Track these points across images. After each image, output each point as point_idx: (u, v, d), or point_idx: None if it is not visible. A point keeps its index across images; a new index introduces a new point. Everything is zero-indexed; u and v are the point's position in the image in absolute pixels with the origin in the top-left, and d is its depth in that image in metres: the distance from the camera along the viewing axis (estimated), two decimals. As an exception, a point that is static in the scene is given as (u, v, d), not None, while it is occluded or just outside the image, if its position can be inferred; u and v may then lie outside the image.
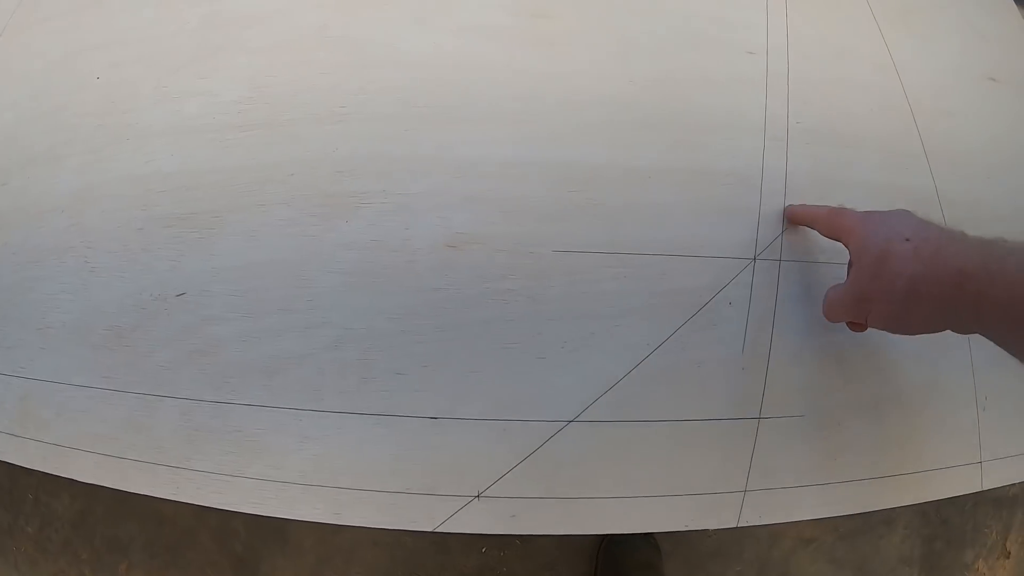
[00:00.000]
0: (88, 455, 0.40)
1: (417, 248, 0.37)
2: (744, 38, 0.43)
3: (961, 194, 0.43)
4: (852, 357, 0.39)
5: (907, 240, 0.29)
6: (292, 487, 0.36)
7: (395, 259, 0.37)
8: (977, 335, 0.30)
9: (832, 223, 0.35)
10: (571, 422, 0.35)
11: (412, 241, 0.37)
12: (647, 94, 0.42)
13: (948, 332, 0.31)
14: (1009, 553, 0.86)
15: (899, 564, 0.79)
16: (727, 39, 0.43)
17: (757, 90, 0.42)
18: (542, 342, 0.36)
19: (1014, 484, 0.78)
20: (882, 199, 0.41)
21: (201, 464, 0.37)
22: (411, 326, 0.36)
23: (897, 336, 0.40)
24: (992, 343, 0.30)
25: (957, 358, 0.41)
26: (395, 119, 0.41)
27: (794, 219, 0.39)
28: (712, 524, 0.35)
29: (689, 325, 0.37)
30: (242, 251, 0.39)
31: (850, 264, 0.33)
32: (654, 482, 0.35)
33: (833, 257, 0.39)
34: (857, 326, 0.36)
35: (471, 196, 0.38)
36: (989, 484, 0.41)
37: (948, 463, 0.40)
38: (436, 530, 0.34)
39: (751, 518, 0.36)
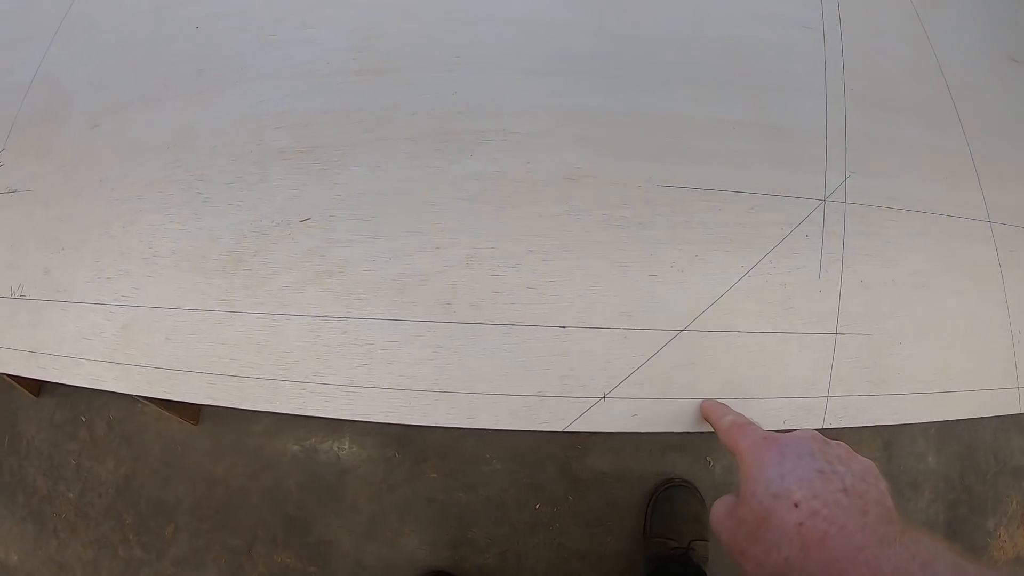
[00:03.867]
0: (200, 376, 0.43)
1: (538, 180, 0.43)
2: (801, 14, 0.52)
3: (992, 155, 0.52)
4: (903, 287, 0.47)
5: (795, 506, 0.28)
6: (426, 394, 0.40)
7: (518, 188, 0.43)
8: None
9: (730, 437, 0.36)
10: (682, 331, 0.41)
11: (533, 173, 0.43)
12: (720, 59, 0.50)
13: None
14: (1030, 523, 0.96)
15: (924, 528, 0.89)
16: (785, 14, 0.52)
17: (816, 59, 0.51)
18: (654, 262, 0.42)
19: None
20: (922, 157, 0.50)
21: (330, 378, 0.41)
22: (536, 246, 0.42)
23: (935, 272, 0.48)
24: None
25: (992, 295, 0.50)
26: (504, 70, 0.47)
27: (702, 412, 0.41)
28: (803, 424, 0.42)
29: (775, 252, 0.44)
30: (366, 180, 0.44)
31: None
32: (752, 385, 0.42)
33: (894, 204, 0.47)
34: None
35: (581, 137, 0.45)
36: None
37: (989, 385, 0.48)
38: (566, 430, 0.40)
39: (833, 421, 0.43)
